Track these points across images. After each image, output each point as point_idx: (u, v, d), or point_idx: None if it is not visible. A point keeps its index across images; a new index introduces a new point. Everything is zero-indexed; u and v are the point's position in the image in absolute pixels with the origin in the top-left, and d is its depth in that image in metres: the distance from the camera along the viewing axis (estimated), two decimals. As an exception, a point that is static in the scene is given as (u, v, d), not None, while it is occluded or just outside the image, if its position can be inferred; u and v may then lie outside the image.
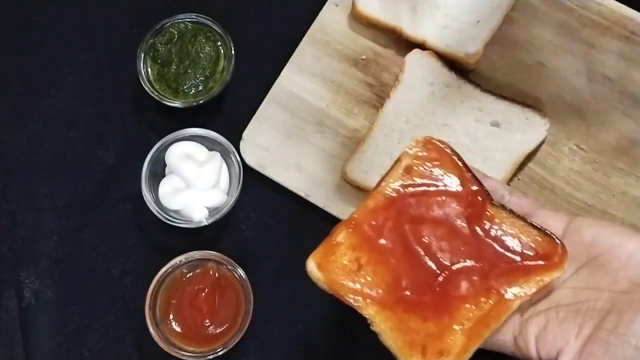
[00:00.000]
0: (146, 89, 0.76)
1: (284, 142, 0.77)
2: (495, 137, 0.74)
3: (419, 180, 0.57)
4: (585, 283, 0.55)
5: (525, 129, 0.74)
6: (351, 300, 0.56)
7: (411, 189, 0.57)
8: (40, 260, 0.76)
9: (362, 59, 0.79)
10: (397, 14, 0.77)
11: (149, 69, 0.77)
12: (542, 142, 0.75)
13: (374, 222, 0.57)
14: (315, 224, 0.76)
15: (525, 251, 0.56)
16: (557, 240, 0.55)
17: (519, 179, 0.75)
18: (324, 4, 0.80)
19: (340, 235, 0.57)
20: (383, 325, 0.55)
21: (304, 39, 0.79)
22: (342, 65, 0.79)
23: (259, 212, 0.77)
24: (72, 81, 0.80)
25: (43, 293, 0.75)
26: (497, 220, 0.56)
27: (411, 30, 0.77)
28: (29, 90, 0.80)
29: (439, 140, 0.58)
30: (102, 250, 0.76)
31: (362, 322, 0.76)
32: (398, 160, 0.58)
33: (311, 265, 0.57)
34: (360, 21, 0.79)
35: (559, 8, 0.78)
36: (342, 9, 0.80)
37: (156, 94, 0.76)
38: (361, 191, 0.74)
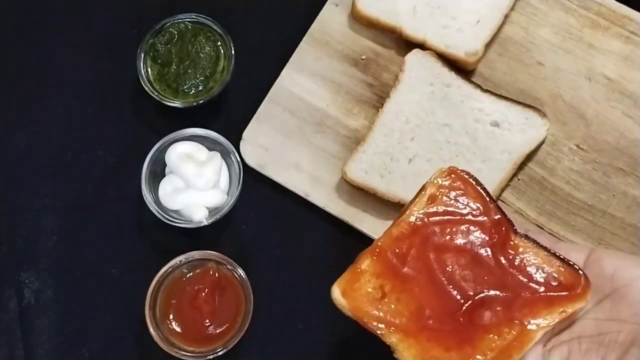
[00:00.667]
0: (146, 89, 0.76)
1: (284, 142, 0.77)
2: (495, 137, 0.74)
3: (443, 209, 0.58)
4: (607, 315, 0.55)
5: (525, 129, 0.74)
6: (375, 328, 0.56)
7: (435, 218, 0.58)
8: (40, 260, 0.76)
9: (362, 59, 0.79)
10: (397, 14, 0.77)
11: (149, 69, 0.77)
12: (542, 142, 0.75)
13: (398, 250, 0.57)
14: (315, 224, 0.76)
15: (548, 282, 0.56)
16: (580, 271, 0.55)
17: (519, 179, 0.75)
18: (324, 4, 0.80)
19: (365, 263, 0.57)
20: (406, 353, 0.56)
21: (304, 39, 0.79)
22: (342, 65, 0.78)
23: (259, 212, 0.77)
24: (72, 81, 0.80)
25: (43, 293, 0.75)
26: (520, 250, 0.56)
27: (411, 30, 0.77)
28: (29, 90, 0.80)
29: (463, 170, 0.59)
30: (102, 250, 0.76)
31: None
32: (422, 189, 0.58)
33: (336, 293, 0.57)
34: (360, 21, 0.79)
35: (559, 8, 0.78)
36: (342, 9, 0.80)
37: (156, 94, 0.76)
38: (361, 191, 0.74)
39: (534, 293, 0.56)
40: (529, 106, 0.75)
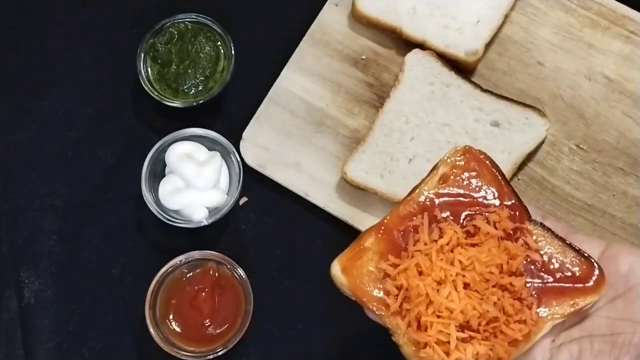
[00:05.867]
0: (146, 89, 0.76)
1: (284, 142, 0.77)
2: (495, 137, 0.74)
3: (454, 190, 0.55)
4: (620, 314, 0.53)
5: (525, 129, 0.74)
6: (374, 309, 0.54)
7: (446, 199, 0.55)
8: (40, 260, 0.76)
9: (362, 59, 0.79)
10: (397, 14, 0.77)
11: (149, 69, 0.77)
12: (542, 142, 0.75)
13: (404, 230, 0.54)
14: (315, 224, 0.76)
15: (561, 272, 0.53)
16: (595, 263, 0.53)
17: (519, 179, 0.75)
18: (324, 4, 0.80)
19: (369, 240, 0.55)
20: (406, 337, 0.53)
21: (304, 39, 0.79)
22: (342, 65, 0.79)
23: (259, 212, 0.77)
24: (72, 81, 0.80)
25: (43, 293, 0.75)
26: (534, 238, 0.54)
27: (411, 30, 0.77)
28: (29, 90, 0.80)
29: (479, 151, 0.56)
30: (102, 250, 0.76)
31: (361, 321, 0.76)
32: (435, 167, 0.56)
33: (336, 269, 0.54)
34: (360, 21, 0.79)
35: (559, 8, 0.78)
36: (342, 9, 0.80)
37: (156, 94, 0.76)
38: (361, 191, 0.74)
39: (546, 282, 0.53)
40: (529, 106, 0.75)
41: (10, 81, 0.80)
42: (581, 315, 0.54)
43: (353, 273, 0.54)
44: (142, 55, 0.76)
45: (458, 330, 0.52)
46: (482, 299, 0.53)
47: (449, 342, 0.52)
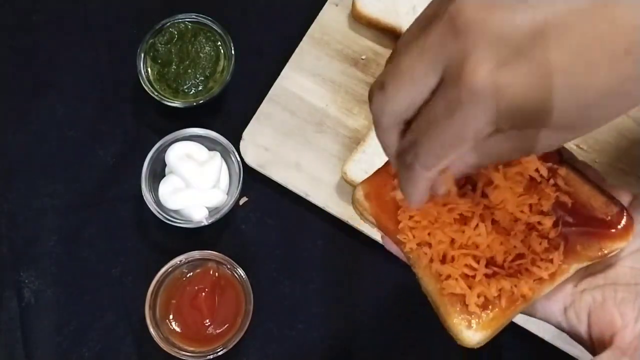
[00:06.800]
0: (146, 89, 0.76)
1: (284, 142, 0.77)
2: (495, 137, 0.74)
3: None
4: None
5: (525, 129, 0.74)
6: (396, 238, 0.51)
7: None
8: (40, 260, 0.76)
9: (362, 59, 0.79)
10: (397, 14, 0.77)
11: (149, 69, 0.77)
12: (542, 142, 0.75)
13: None
14: (315, 224, 0.76)
15: (589, 216, 0.51)
16: (624, 209, 0.51)
17: (519, 179, 0.75)
18: (324, 4, 0.80)
19: None
20: (427, 270, 0.51)
21: (304, 39, 0.79)
22: (342, 65, 0.79)
23: (259, 212, 0.77)
24: (72, 81, 0.80)
25: (43, 293, 0.75)
26: (564, 179, 0.52)
27: (411, 30, 0.77)
28: (29, 90, 0.80)
29: None
30: (102, 250, 0.76)
31: (360, 322, 0.76)
32: None
33: (359, 194, 0.52)
34: (360, 21, 0.79)
35: (559, 8, 0.78)
36: (342, 9, 0.80)
37: (156, 94, 0.76)
38: (361, 191, 0.74)
39: (573, 226, 0.51)
40: (529, 106, 0.75)
41: (10, 81, 0.80)
42: (605, 264, 0.53)
43: (377, 199, 0.52)
44: (142, 55, 0.76)
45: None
46: (509, 234, 0.51)
47: (472, 277, 0.50)
